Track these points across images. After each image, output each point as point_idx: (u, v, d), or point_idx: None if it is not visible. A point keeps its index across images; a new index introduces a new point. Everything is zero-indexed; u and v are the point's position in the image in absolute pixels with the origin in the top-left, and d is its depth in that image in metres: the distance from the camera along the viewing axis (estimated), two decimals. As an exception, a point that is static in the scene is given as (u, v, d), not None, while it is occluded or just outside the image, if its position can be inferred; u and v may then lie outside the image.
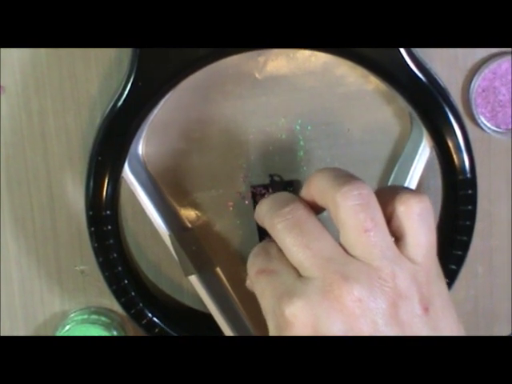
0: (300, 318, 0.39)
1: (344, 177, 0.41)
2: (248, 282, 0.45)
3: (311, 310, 0.39)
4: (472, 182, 0.55)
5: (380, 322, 0.39)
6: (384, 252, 0.40)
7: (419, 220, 0.41)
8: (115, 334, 0.58)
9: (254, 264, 0.44)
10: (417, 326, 0.40)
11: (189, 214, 0.59)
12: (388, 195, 0.42)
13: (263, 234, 0.58)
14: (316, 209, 0.43)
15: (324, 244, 0.41)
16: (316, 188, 0.43)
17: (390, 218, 0.41)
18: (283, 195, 0.44)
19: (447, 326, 0.41)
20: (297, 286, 0.40)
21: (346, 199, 0.40)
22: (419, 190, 0.57)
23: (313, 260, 0.40)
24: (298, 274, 0.41)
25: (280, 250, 0.42)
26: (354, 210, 0.40)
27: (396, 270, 0.40)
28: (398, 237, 0.41)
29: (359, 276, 0.39)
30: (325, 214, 0.43)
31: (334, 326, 0.39)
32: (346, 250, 0.41)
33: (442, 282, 0.42)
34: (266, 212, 0.43)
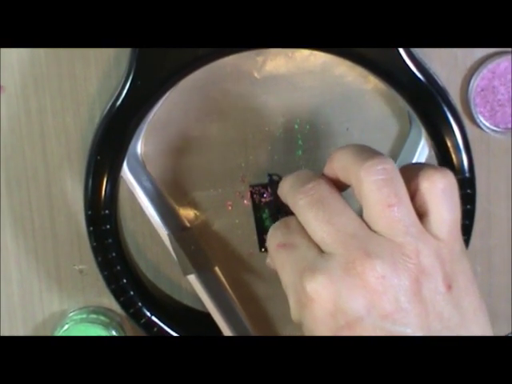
0: (322, 294, 0.39)
1: (367, 152, 0.41)
2: (268, 261, 0.45)
3: (333, 286, 0.39)
4: (471, 182, 0.55)
5: (402, 298, 0.39)
6: (408, 228, 0.40)
7: (443, 196, 0.41)
8: (114, 333, 0.58)
9: (273, 237, 0.43)
10: (439, 303, 0.39)
11: (187, 213, 0.59)
12: (412, 171, 0.41)
13: (262, 234, 0.58)
14: (339, 186, 0.43)
15: (346, 220, 0.40)
16: (339, 164, 0.42)
17: (413, 195, 0.41)
18: (306, 172, 0.43)
19: (470, 304, 0.40)
20: (318, 261, 0.40)
21: (369, 174, 0.40)
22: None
23: (335, 236, 0.40)
24: (319, 249, 0.41)
25: (300, 224, 0.42)
26: (378, 185, 0.40)
27: (420, 246, 0.39)
28: (421, 213, 0.41)
29: (382, 252, 0.39)
30: (348, 191, 0.43)
31: (356, 303, 0.39)
32: (369, 226, 0.40)
33: (465, 259, 0.42)
34: (289, 189, 0.43)
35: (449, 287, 0.40)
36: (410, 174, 0.41)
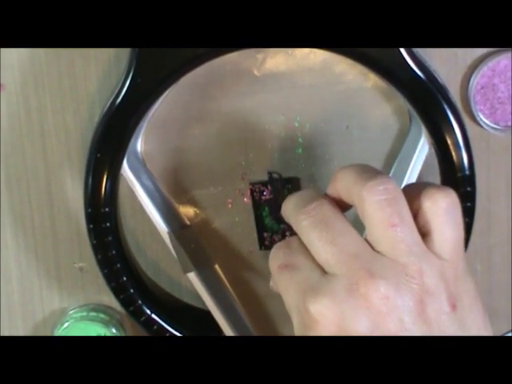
0: (326, 315, 0.39)
1: (369, 172, 0.41)
2: (271, 284, 0.44)
3: (337, 307, 0.39)
4: (471, 180, 0.55)
5: (407, 319, 0.38)
6: (411, 248, 0.39)
7: (446, 215, 0.40)
8: (114, 331, 0.58)
9: (275, 258, 0.43)
10: (444, 323, 0.39)
11: (187, 211, 0.59)
12: (414, 191, 0.41)
13: (262, 231, 0.58)
14: (342, 206, 0.42)
15: (349, 240, 0.40)
16: (341, 184, 0.42)
17: (416, 214, 0.41)
18: (309, 192, 0.43)
19: (474, 323, 0.40)
20: (322, 283, 0.40)
21: (371, 194, 0.40)
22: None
23: (338, 256, 0.40)
24: (322, 270, 0.40)
25: (302, 244, 0.42)
26: (380, 205, 0.39)
27: (423, 266, 0.39)
28: (424, 233, 0.41)
29: (386, 273, 0.39)
30: (351, 211, 0.43)
31: (361, 324, 0.38)
32: (372, 246, 0.40)
33: (469, 278, 0.41)
34: (292, 209, 0.43)
35: (453, 307, 0.40)
36: (413, 193, 0.41)
